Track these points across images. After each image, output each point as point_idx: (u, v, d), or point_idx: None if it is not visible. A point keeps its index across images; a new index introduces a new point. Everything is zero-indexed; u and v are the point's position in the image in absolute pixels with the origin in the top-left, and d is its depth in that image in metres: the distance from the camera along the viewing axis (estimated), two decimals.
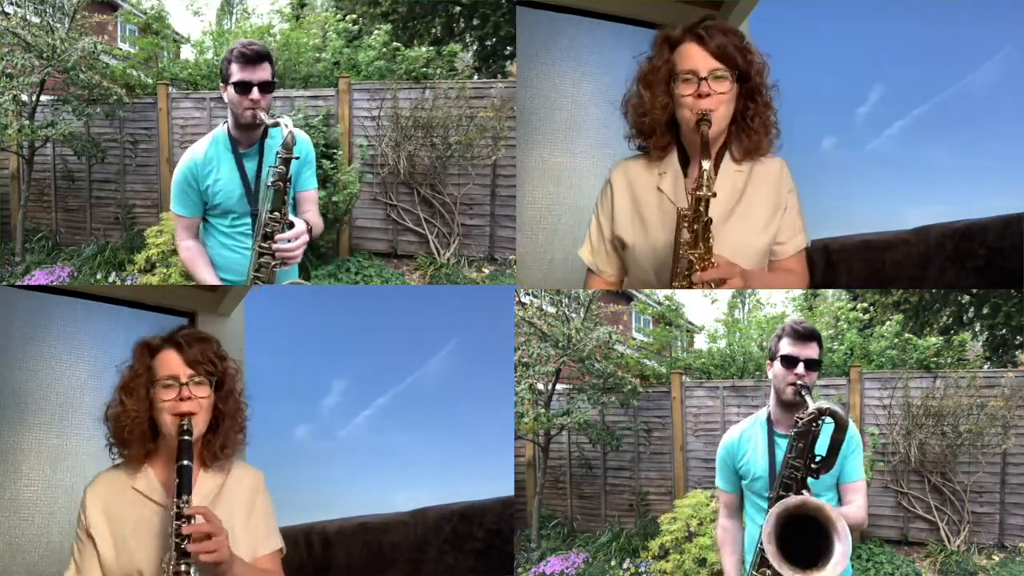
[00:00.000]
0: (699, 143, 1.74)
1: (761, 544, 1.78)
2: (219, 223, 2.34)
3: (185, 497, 1.41)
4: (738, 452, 2.02)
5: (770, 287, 1.94)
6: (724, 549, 2.11)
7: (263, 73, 2.14)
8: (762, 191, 1.88)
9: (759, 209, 1.87)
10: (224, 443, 1.56)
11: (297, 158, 2.10)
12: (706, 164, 1.70)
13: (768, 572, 1.73)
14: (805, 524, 1.62)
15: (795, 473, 1.71)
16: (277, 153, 2.07)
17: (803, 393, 1.82)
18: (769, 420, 1.99)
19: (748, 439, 2.01)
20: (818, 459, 1.73)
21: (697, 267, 1.71)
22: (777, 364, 1.91)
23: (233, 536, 1.48)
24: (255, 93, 2.13)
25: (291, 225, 2.12)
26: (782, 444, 1.89)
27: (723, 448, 2.06)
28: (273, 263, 2.11)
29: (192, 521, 1.41)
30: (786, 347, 1.89)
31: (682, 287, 1.77)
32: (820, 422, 1.71)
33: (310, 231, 2.19)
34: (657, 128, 1.87)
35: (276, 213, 2.09)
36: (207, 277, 2.35)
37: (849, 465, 1.90)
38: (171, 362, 1.51)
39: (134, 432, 1.50)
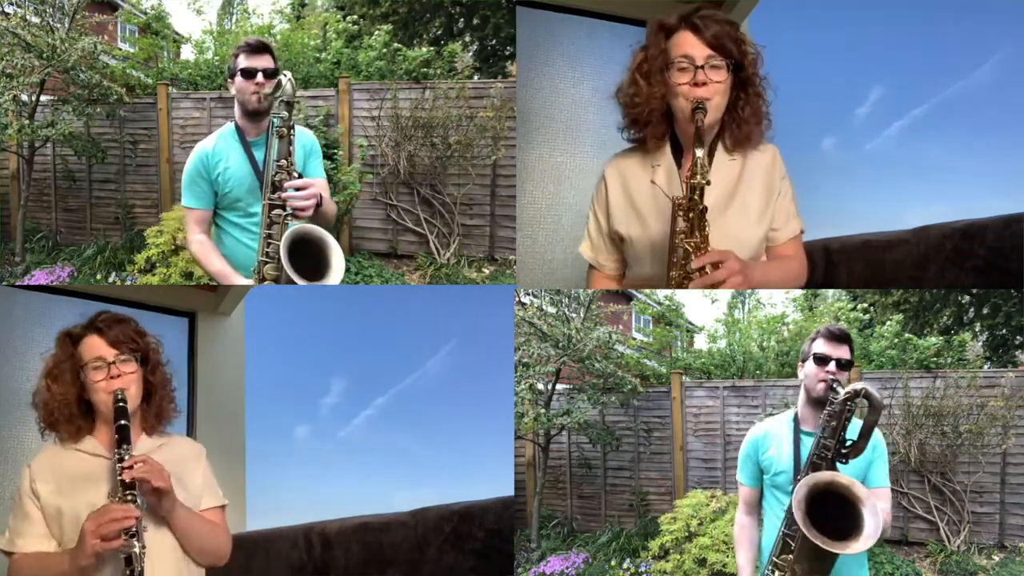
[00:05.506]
0: (693, 131, 1.75)
1: (783, 530, 1.77)
2: (232, 216, 2.35)
3: (125, 447, 1.54)
4: (763, 446, 2.03)
5: (769, 277, 1.92)
6: (740, 546, 2.11)
7: (266, 62, 2.26)
8: (756, 179, 1.90)
9: (754, 199, 1.90)
10: (158, 412, 1.70)
11: (297, 101, 2.13)
12: (700, 152, 1.71)
13: (789, 558, 1.73)
14: (834, 502, 1.62)
15: (826, 453, 1.72)
16: (280, 101, 2.08)
17: (835, 386, 1.85)
18: (796, 419, 2.02)
19: (775, 434, 2.03)
20: (848, 443, 1.75)
21: (694, 255, 1.71)
22: (810, 363, 1.96)
23: (176, 489, 1.61)
24: (260, 77, 2.24)
25: (300, 176, 2.12)
26: (807, 442, 1.92)
27: (748, 442, 2.07)
28: (284, 214, 2.08)
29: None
30: (820, 347, 1.94)
31: (680, 285, 1.76)
32: (854, 404, 1.73)
33: (320, 197, 2.17)
34: (653, 118, 1.86)
35: (283, 161, 2.09)
36: (220, 267, 2.33)
37: (873, 471, 1.93)
38: (95, 346, 1.62)
39: (63, 413, 1.63)
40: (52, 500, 1.58)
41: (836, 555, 1.67)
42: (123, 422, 1.56)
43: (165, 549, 1.62)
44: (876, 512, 1.58)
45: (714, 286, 1.69)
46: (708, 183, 1.72)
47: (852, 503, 1.61)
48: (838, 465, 1.77)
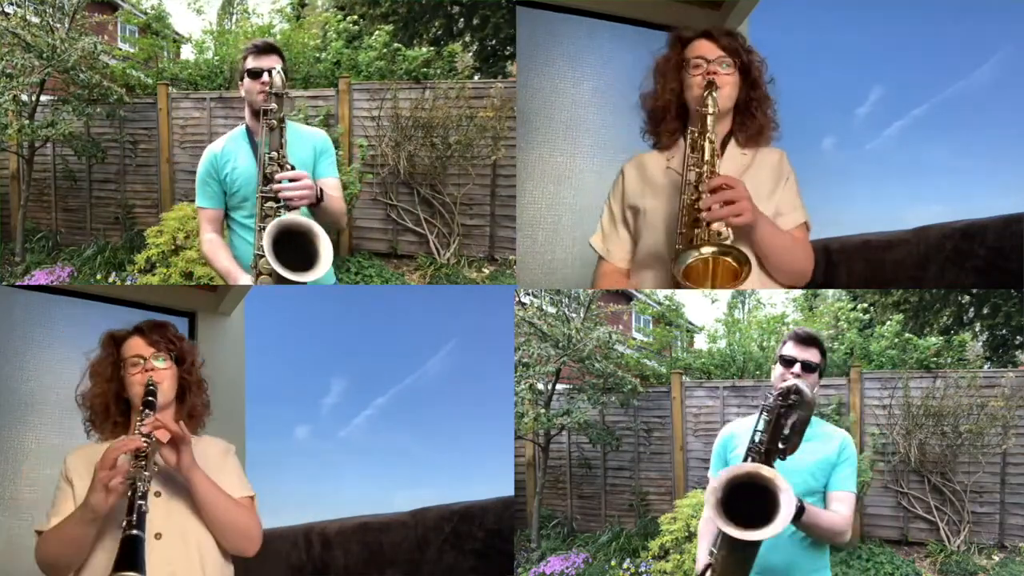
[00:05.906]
0: (703, 111, 1.96)
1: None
2: (239, 216, 2.36)
3: (147, 411, 1.64)
4: (731, 445, 2.07)
5: (776, 238, 2.01)
6: (702, 539, 2.13)
7: (273, 62, 2.26)
8: (764, 171, 2.09)
9: (763, 179, 2.07)
10: (191, 411, 1.81)
11: (287, 94, 2.15)
12: (708, 91, 1.96)
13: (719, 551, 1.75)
14: (758, 495, 1.63)
15: (760, 448, 1.72)
16: (270, 93, 2.08)
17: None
18: None
19: (740, 434, 2.05)
20: (784, 438, 1.75)
21: (705, 177, 1.90)
22: (778, 365, 2.00)
23: None
24: (266, 77, 2.23)
25: (292, 168, 2.12)
26: None
27: (719, 440, 2.11)
28: (277, 206, 2.07)
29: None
30: (788, 349, 1.98)
31: (691, 209, 1.91)
32: (790, 400, 1.72)
33: (322, 192, 2.17)
34: (668, 113, 2.12)
35: (274, 153, 2.09)
36: (227, 265, 2.34)
37: (837, 474, 1.94)
38: (136, 345, 1.75)
39: (100, 407, 1.76)
40: (83, 484, 1.63)
41: (755, 545, 1.68)
42: (149, 399, 1.66)
43: (188, 544, 1.65)
44: (790, 501, 1.59)
45: (725, 205, 1.85)
46: (716, 111, 1.95)
47: (773, 493, 1.61)
48: (808, 464, 1.83)
